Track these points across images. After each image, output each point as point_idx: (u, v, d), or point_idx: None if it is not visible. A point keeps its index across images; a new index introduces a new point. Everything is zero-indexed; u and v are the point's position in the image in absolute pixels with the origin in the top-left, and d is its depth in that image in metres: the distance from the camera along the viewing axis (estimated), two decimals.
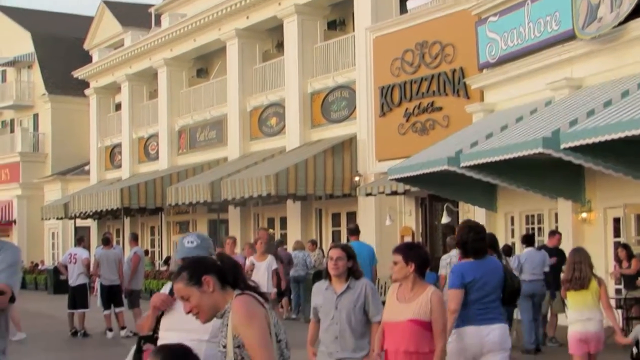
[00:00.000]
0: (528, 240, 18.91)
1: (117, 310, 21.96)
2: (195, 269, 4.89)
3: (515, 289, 9.94)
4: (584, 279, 11.47)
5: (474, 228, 8.38)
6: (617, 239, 19.60)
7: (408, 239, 25.89)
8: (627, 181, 18.53)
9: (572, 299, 11.73)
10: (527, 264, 17.61)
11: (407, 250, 7.55)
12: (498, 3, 23.18)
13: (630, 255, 15.59)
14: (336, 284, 8.13)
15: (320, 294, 8.30)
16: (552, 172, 20.03)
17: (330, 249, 8.41)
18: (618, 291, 19.14)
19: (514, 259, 17.95)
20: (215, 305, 4.85)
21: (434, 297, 7.35)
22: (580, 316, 11.52)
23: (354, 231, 20.02)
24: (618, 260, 15.85)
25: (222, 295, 4.84)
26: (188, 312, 4.97)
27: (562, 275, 13.99)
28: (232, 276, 4.88)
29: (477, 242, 8.42)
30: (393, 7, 28.94)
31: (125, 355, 6.23)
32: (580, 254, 12.17)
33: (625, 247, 16.30)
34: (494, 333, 8.63)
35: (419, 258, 7.60)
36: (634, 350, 11.88)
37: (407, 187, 24.98)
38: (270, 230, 34.14)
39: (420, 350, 7.31)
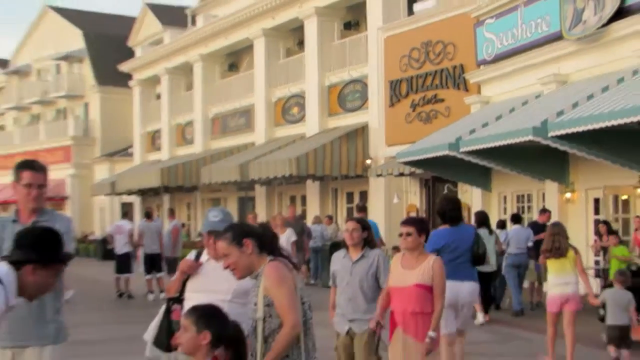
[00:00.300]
0: (516, 219, 19.16)
1: (158, 275, 22.15)
2: (238, 231, 4.97)
3: (480, 255, 10.17)
4: (562, 249, 11.72)
5: (451, 200, 8.58)
6: (597, 217, 19.57)
7: (413, 215, 25.91)
8: (607, 166, 18.48)
9: (552, 266, 11.94)
10: (514, 239, 17.80)
11: (420, 224, 7.70)
12: (495, 7, 23.08)
13: (609, 231, 15.62)
14: (352, 253, 8.15)
15: (338, 261, 8.36)
16: (540, 157, 20.01)
17: (347, 221, 8.50)
18: (597, 262, 19.15)
19: (503, 235, 18.08)
20: (251, 266, 4.94)
21: (436, 264, 7.50)
22: (559, 281, 11.80)
23: (361, 209, 20.61)
24: (599, 234, 15.91)
25: (257, 259, 4.93)
26: (226, 268, 5.06)
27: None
28: (270, 244, 4.97)
29: (453, 212, 8.62)
30: (401, 10, 28.81)
31: None
32: (558, 227, 12.48)
33: (606, 223, 16.37)
34: (464, 289, 9.45)
35: (427, 231, 7.73)
36: (601, 312, 12.00)
37: (413, 169, 24.96)
38: (290, 208, 34.46)
39: (424, 311, 7.44)
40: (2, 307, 4.13)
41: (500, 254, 17.56)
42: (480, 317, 15.93)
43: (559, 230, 12.15)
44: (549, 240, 12.07)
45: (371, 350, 7.78)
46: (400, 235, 7.69)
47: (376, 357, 7.84)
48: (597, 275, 18.16)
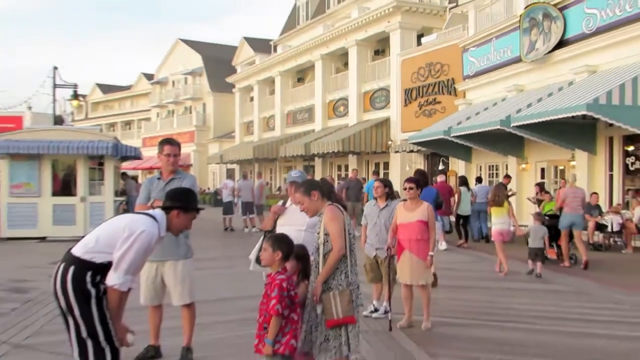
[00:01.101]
0: (478, 180, 19.18)
1: (250, 216, 22.24)
2: (308, 186, 5.08)
3: (439, 204, 11.34)
4: (500, 201, 12.38)
5: (422, 173, 8.55)
6: (542, 180, 19.47)
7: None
8: (549, 146, 18.42)
9: (494, 211, 12.55)
10: (478, 193, 17.77)
11: (421, 180, 7.83)
12: (475, 40, 22.88)
13: (542, 189, 15.73)
14: (379, 202, 8.22)
15: (369, 208, 8.41)
16: (505, 140, 19.86)
17: (375, 181, 8.58)
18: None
19: (473, 190, 18.15)
20: (317, 208, 5.03)
21: (429, 208, 7.67)
22: (499, 221, 12.36)
23: (375, 173, 21.23)
24: (536, 192, 15.92)
25: (321, 203, 5.02)
26: (302, 210, 5.17)
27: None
28: (328, 193, 5.07)
29: (424, 181, 8.54)
30: (413, 42, 28.60)
31: (257, 241, 6.38)
32: (499, 186, 13.61)
33: (540, 184, 16.34)
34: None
35: (422, 187, 7.84)
36: (529, 242, 12.36)
37: (419, 147, 24.89)
38: (339, 174, 34.49)
39: (423, 238, 7.55)
40: (157, 237, 4.32)
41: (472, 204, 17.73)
42: (444, 244, 15.77)
43: (499, 189, 12.91)
44: (493, 195, 12.74)
45: (389, 267, 7.91)
46: (405, 189, 7.79)
47: (393, 272, 7.91)
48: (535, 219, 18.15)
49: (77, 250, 4.20)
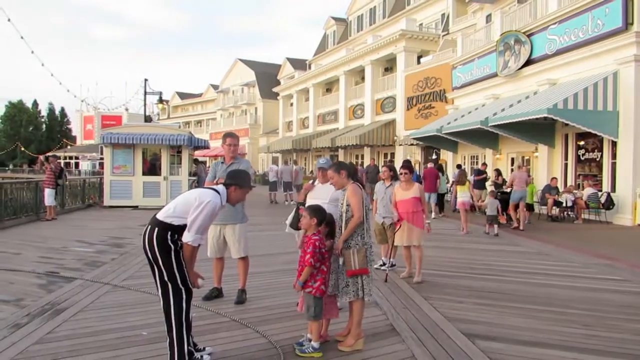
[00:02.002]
0: (458, 166, 18.70)
1: (290, 192, 22.16)
2: (338, 166, 5.00)
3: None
4: (463, 181, 13.06)
5: (408, 162, 8.21)
6: (511, 167, 19.18)
7: (416, 165, 25.67)
8: (518, 141, 18.13)
9: (459, 188, 13.17)
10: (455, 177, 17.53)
11: (410, 167, 7.68)
12: (462, 60, 22.47)
13: (499, 174, 15.67)
14: (386, 182, 8.09)
15: (379, 186, 8.26)
16: (484, 136, 19.54)
17: (382, 167, 8.47)
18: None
19: (452, 174, 17.99)
20: (343, 184, 4.95)
21: (420, 186, 7.55)
22: (462, 196, 12.91)
23: (390, 163, 20.33)
24: (495, 176, 15.72)
25: (346, 180, 4.94)
26: (332, 184, 5.08)
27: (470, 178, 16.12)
28: (353, 174, 4.99)
29: (409, 169, 8.13)
30: (414, 61, 28.19)
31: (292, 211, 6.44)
32: (462, 171, 14.01)
33: (497, 170, 16.13)
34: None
35: (413, 171, 7.71)
36: (486, 212, 12.48)
37: (417, 142, 24.66)
38: (357, 161, 34.31)
39: (418, 210, 7.43)
40: (219, 206, 4.28)
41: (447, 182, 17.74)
42: (432, 215, 15.73)
43: (462, 173, 13.55)
44: (458, 177, 13.52)
45: (394, 233, 7.82)
46: (400, 173, 7.64)
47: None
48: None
49: (160, 215, 4.22)
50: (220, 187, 4.43)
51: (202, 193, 4.26)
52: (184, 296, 4.19)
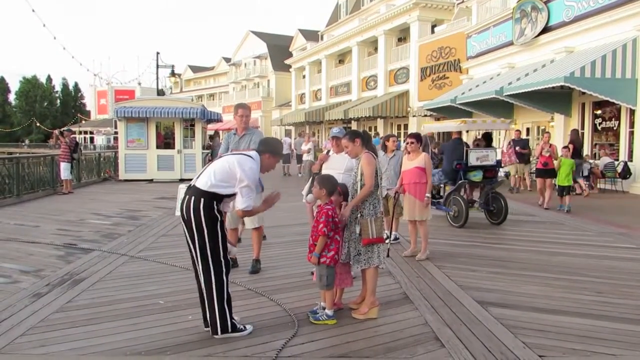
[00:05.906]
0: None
1: (302, 165, 22.19)
2: (353, 135, 4.94)
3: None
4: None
5: (418, 134, 7.94)
6: (526, 137, 18.96)
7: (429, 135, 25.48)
8: (534, 110, 17.83)
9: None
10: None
11: (419, 137, 7.43)
12: (477, 28, 22.07)
13: (525, 145, 15.21)
14: (389, 153, 8.06)
15: (380, 157, 8.10)
16: (498, 106, 19.21)
17: (389, 138, 8.37)
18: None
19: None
20: (357, 152, 4.90)
21: (427, 157, 7.17)
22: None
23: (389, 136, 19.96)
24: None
25: (361, 149, 4.88)
26: (346, 153, 5.04)
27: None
28: (367, 143, 4.95)
29: (416, 137, 7.87)
30: (428, 31, 27.75)
31: (305, 184, 6.39)
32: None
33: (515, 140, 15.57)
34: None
35: (422, 141, 7.53)
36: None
37: (431, 113, 24.41)
38: (370, 133, 34.17)
39: (421, 181, 7.11)
40: (258, 169, 4.27)
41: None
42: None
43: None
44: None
45: (396, 204, 7.76)
46: (407, 143, 7.35)
47: (399, 207, 7.74)
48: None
49: (204, 186, 4.13)
50: (254, 153, 4.36)
51: (241, 159, 4.21)
52: (224, 269, 4.16)
